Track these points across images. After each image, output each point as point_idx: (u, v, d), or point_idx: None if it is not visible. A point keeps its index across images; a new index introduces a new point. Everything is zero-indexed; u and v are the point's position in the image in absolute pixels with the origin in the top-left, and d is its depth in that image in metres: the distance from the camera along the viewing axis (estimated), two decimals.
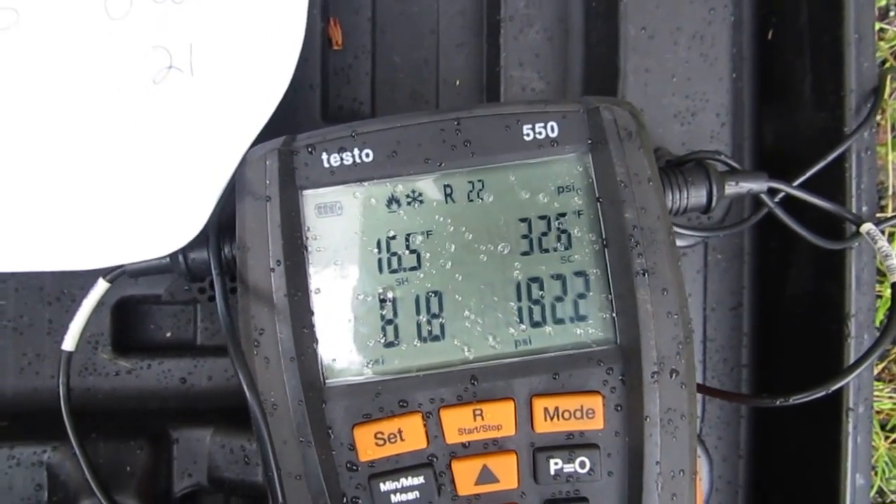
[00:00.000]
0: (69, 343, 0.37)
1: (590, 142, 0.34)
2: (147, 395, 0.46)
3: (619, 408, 0.33)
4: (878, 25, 0.64)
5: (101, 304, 0.45)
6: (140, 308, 0.48)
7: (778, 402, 0.35)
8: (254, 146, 0.36)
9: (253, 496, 0.44)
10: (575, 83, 0.49)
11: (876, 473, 0.64)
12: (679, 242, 0.48)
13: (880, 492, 0.64)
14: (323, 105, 0.48)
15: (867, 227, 0.38)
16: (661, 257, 0.33)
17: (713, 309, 0.51)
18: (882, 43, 0.64)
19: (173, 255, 0.37)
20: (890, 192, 0.64)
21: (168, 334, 0.48)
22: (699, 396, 0.51)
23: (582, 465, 0.33)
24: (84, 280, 0.38)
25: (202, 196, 0.36)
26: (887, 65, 0.64)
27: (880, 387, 0.65)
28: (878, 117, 0.62)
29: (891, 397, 0.65)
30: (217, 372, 0.46)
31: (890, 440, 0.65)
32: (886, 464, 0.64)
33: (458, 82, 0.50)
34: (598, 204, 0.34)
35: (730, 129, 0.49)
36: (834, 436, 0.44)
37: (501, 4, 0.49)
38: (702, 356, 0.51)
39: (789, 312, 0.50)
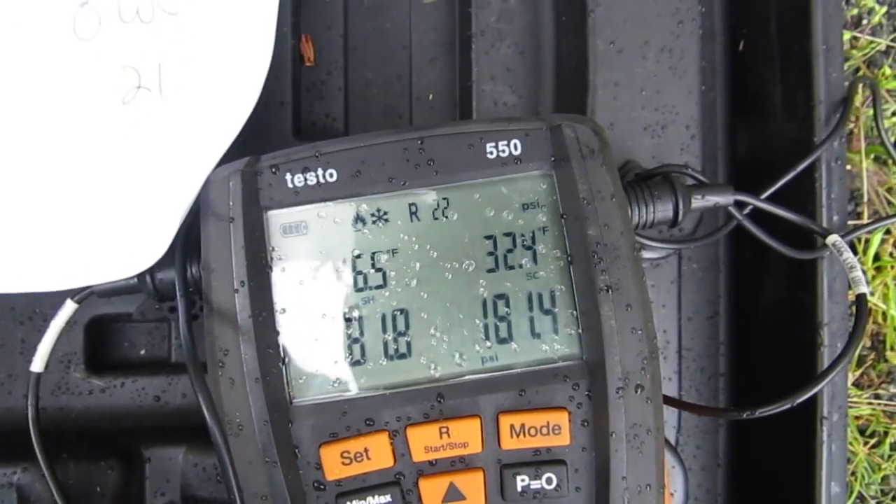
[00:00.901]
0: (38, 364, 0.37)
1: (553, 159, 0.34)
2: (121, 413, 0.46)
3: (585, 423, 0.34)
4: (850, 34, 0.64)
5: (73, 322, 0.45)
6: (113, 326, 0.48)
7: (745, 416, 0.35)
8: (221, 165, 0.36)
9: None
10: (546, 97, 0.49)
11: (856, 479, 0.64)
12: (652, 254, 0.48)
13: (860, 497, 0.65)
14: (295, 121, 0.48)
15: (833, 238, 0.38)
16: (624, 273, 0.33)
17: (689, 318, 0.52)
18: (855, 51, 0.65)
19: (141, 276, 0.37)
20: (865, 199, 0.64)
21: (142, 352, 0.48)
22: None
23: (549, 481, 0.33)
24: (56, 300, 0.38)
25: (168, 216, 0.36)
26: (860, 73, 0.65)
27: (858, 393, 0.65)
28: (852, 125, 0.63)
29: (869, 403, 0.65)
30: (191, 389, 0.46)
31: (869, 446, 0.65)
32: (866, 469, 0.64)
33: (431, 97, 0.51)
34: (563, 220, 0.35)
35: (700, 142, 0.49)
36: (809, 444, 0.44)
37: (473, 19, 0.49)
38: (678, 366, 0.51)
39: (765, 321, 0.50)
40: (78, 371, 0.46)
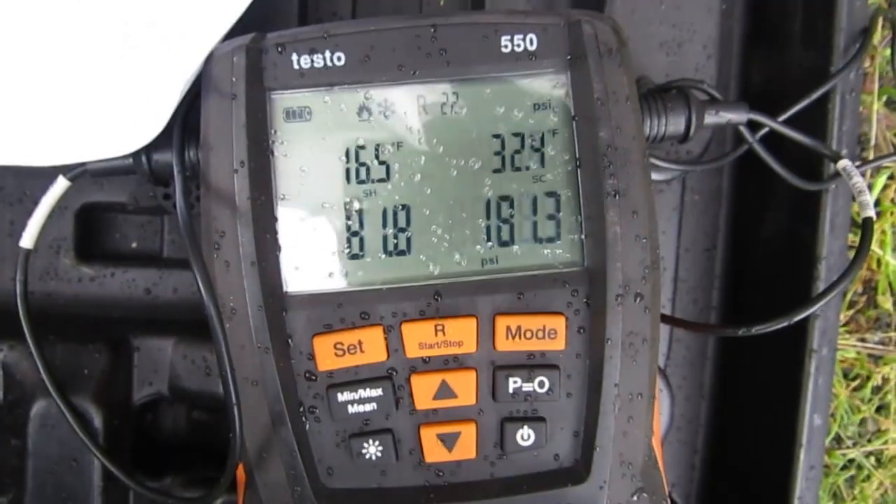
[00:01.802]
0: (27, 240, 0.36)
1: (569, 57, 0.33)
2: (110, 303, 0.45)
3: (581, 330, 0.33)
4: None
5: (64, 208, 0.44)
6: (105, 216, 0.47)
7: (740, 332, 0.35)
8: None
9: (214, 408, 0.44)
10: (561, 7, 0.48)
11: (835, 420, 0.65)
12: (657, 176, 0.48)
13: (837, 438, 0.66)
14: (301, 16, 0.47)
15: (844, 162, 0.38)
16: (633, 179, 0.33)
17: (687, 249, 0.51)
18: None
19: (136, 155, 0.35)
20: (872, 143, 0.64)
21: (134, 244, 0.47)
22: (666, 333, 0.51)
23: (541, 384, 0.33)
24: (46, 182, 0.37)
25: (166, 94, 0.35)
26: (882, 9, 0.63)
27: (846, 336, 0.65)
28: (867, 64, 0.61)
29: (854, 346, 0.65)
30: (183, 284, 0.46)
31: (851, 388, 0.66)
32: (846, 411, 0.65)
33: (442, 2, 0.49)
34: (574, 123, 0.34)
35: (716, 63, 0.48)
36: (796, 376, 0.45)
37: None
38: (672, 295, 0.51)
39: (763, 255, 0.50)
40: (67, 258, 0.45)
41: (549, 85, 0.34)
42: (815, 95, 0.42)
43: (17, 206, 0.45)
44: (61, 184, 0.36)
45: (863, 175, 0.62)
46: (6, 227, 0.45)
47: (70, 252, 0.45)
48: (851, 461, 0.66)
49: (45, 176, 0.36)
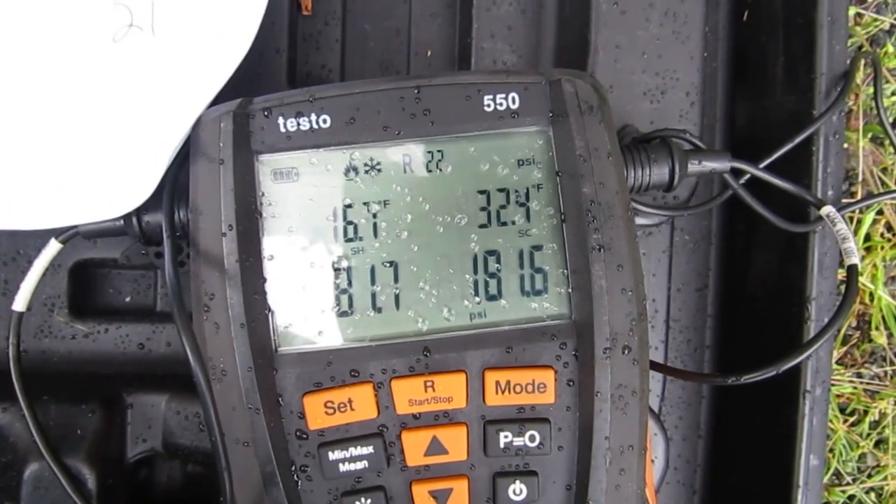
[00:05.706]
0: (20, 303, 0.37)
1: (551, 114, 0.34)
2: (104, 359, 0.45)
3: (570, 383, 0.33)
4: (855, 10, 0.64)
5: (57, 266, 0.44)
6: (98, 272, 0.47)
7: (730, 381, 0.35)
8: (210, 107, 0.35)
9: (209, 463, 0.43)
10: (547, 57, 0.49)
11: (834, 456, 0.65)
12: (644, 221, 0.48)
13: (837, 474, 0.65)
14: (290, 71, 0.47)
15: (827, 209, 0.38)
16: (617, 233, 0.33)
17: (678, 290, 0.52)
18: (858, 28, 0.64)
19: (127, 217, 0.36)
20: (859, 178, 0.64)
21: (127, 299, 0.47)
22: (660, 376, 0.51)
23: (532, 438, 0.33)
24: (40, 241, 0.38)
25: (156, 157, 0.35)
26: (863, 49, 0.64)
27: (841, 371, 0.65)
28: (851, 103, 0.62)
29: (851, 381, 0.65)
30: (176, 338, 0.46)
31: (848, 424, 0.66)
32: (844, 447, 0.65)
33: (429, 53, 0.50)
34: (558, 178, 0.34)
35: (699, 109, 0.48)
36: (791, 417, 0.45)
37: None
38: (665, 336, 0.52)
39: (753, 295, 0.50)
40: (61, 315, 0.45)
41: (533, 141, 0.34)
42: (797, 140, 0.43)
43: (10, 265, 0.45)
44: (53, 246, 0.37)
45: (851, 212, 0.63)
46: (0, 287, 0.45)
47: (64, 309, 0.45)
48: (852, 497, 0.66)
49: (38, 235, 0.37)
